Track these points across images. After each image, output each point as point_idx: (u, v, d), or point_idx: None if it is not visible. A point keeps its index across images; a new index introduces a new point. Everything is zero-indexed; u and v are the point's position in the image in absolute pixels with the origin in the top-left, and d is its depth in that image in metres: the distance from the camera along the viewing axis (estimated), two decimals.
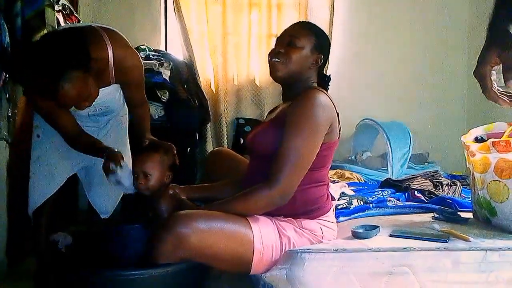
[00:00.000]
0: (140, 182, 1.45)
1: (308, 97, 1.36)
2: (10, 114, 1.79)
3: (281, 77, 1.44)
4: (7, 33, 1.67)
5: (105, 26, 1.53)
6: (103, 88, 1.53)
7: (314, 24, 1.56)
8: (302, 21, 1.57)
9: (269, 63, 1.45)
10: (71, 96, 1.35)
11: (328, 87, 1.54)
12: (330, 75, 1.55)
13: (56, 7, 2.02)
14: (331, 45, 3.36)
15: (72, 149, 1.60)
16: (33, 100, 1.54)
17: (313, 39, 1.45)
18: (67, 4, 2.23)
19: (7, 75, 1.71)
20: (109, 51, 1.47)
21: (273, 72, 1.44)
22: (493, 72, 0.94)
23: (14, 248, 1.90)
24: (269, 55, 1.46)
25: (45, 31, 1.80)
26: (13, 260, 1.90)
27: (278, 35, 1.50)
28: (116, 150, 1.51)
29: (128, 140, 1.86)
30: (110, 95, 1.62)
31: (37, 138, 1.64)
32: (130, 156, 1.76)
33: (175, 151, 1.55)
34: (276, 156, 1.33)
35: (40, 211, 1.67)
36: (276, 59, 1.42)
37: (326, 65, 1.54)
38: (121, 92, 1.66)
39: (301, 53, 1.42)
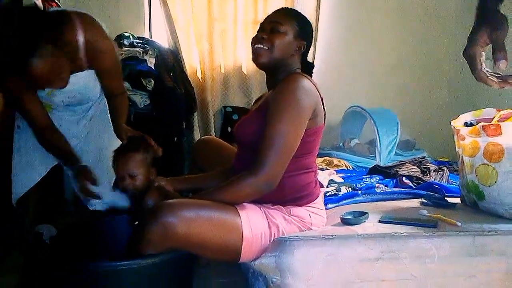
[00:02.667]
0: (128, 184, 1.44)
1: (290, 81, 1.34)
2: None
3: (264, 63, 1.42)
4: None
5: (78, 10, 1.49)
6: (76, 74, 1.49)
7: (297, 11, 1.54)
8: (285, 7, 1.54)
9: (252, 49, 1.44)
10: (42, 71, 1.31)
11: (312, 73, 1.52)
12: (313, 62, 1.54)
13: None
14: (317, 32, 3.34)
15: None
16: (2, 82, 1.46)
17: (296, 25, 1.43)
18: None
19: None
20: (79, 33, 1.43)
21: (256, 58, 1.43)
22: (482, 53, 0.93)
23: (0, 242, 1.86)
24: (252, 41, 1.44)
25: None
26: (0, 254, 1.86)
27: (261, 22, 1.48)
28: (83, 164, 1.55)
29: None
30: (84, 80, 1.56)
31: (17, 128, 1.61)
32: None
33: (154, 144, 1.53)
34: (260, 142, 1.31)
35: (24, 202, 1.64)
36: (259, 45, 1.41)
37: (312, 52, 1.53)
38: (97, 80, 1.61)
39: (284, 39, 1.41)
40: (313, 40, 3.25)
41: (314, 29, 3.18)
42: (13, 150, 1.63)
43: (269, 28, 1.42)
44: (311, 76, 1.49)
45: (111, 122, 1.77)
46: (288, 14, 1.46)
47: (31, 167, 1.63)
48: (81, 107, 1.66)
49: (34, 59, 1.28)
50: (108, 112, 1.77)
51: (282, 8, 1.55)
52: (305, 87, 1.33)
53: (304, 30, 1.46)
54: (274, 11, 1.49)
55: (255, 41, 1.43)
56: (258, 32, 1.46)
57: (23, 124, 1.60)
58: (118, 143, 1.74)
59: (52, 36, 1.32)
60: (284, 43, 1.41)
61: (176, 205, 1.22)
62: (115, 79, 1.68)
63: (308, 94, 1.34)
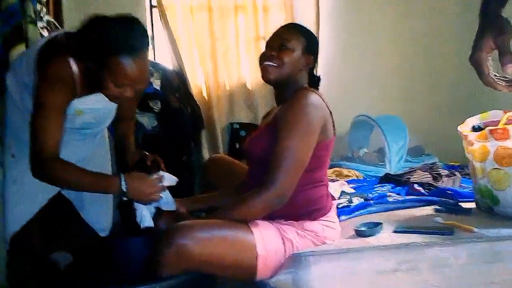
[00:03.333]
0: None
1: (299, 97, 1.35)
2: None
3: (274, 79, 1.43)
4: None
5: None
6: None
7: (303, 26, 1.55)
8: (291, 23, 1.58)
9: (260, 66, 1.45)
10: (146, 71, 1.31)
11: (319, 87, 1.53)
12: (320, 75, 1.55)
13: (41, 24, 1.99)
14: (319, 45, 3.37)
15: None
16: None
17: (304, 41, 1.44)
18: (52, 20, 2.20)
19: None
20: None
21: (265, 76, 1.44)
22: (489, 58, 0.93)
23: (15, 272, 1.86)
24: (260, 58, 1.45)
25: (23, 46, 1.74)
26: (15, 285, 1.86)
27: (268, 38, 1.49)
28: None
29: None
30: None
31: (11, 158, 1.50)
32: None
33: (163, 165, 1.52)
34: (271, 158, 1.31)
35: (26, 233, 1.55)
36: (268, 62, 1.42)
37: (316, 65, 1.54)
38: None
39: (292, 56, 1.42)
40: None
41: None
42: (6, 181, 1.52)
43: (278, 45, 1.43)
44: (318, 89, 1.51)
45: (108, 146, 1.74)
46: (295, 30, 1.47)
47: (29, 199, 1.52)
48: (91, 131, 1.60)
49: (144, 59, 1.31)
50: (106, 137, 1.74)
51: (288, 24, 1.56)
52: (314, 102, 1.34)
53: (312, 45, 1.48)
54: (281, 27, 1.50)
55: (263, 58, 1.44)
56: (266, 49, 1.46)
57: (19, 154, 1.48)
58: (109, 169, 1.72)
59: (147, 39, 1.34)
60: (293, 60, 1.42)
61: (189, 227, 1.23)
62: (137, 103, 1.69)
63: (317, 109, 1.34)
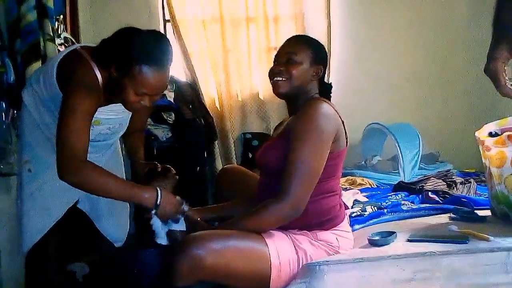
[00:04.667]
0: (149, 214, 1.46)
1: (310, 107, 1.36)
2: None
3: (284, 93, 1.45)
4: (12, 70, 1.71)
5: None
6: None
7: (309, 37, 1.57)
8: (297, 35, 1.58)
9: (271, 82, 1.47)
10: (161, 84, 1.36)
11: (331, 95, 1.54)
12: (331, 83, 1.56)
13: (59, 41, 2.06)
14: (330, 53, 3.36)
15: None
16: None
17: (311, 52, 1.45)
18: (69, 36, 2.27)
19: (15, 111, 1.73)
20: None
21: (276, 90, 1.46)
22: (505, 68, 0.93)
23: (33, 283, 1.89)
24: (269, 74, 1.47)
25: (39, 63, 1.79)
26: None
27: (276, 53, 1.50)
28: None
29: None
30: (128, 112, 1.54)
31: (28, 172, 1.53)
32: None
33: (174, 173, 1.54)
34: (284, 169, 1.32)
35: (43, 245, 1.58)
36: (278, 78, 1.44)
37: (326, 73, 1.55)
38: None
39: (301, 68, 1.43)
40: (328, 61, 3.31)
41: (327, 50, 3.25)
42: (23, 195, 1.53)
43: (285, 59, 1.45)
44: (330, 98, 1.52)
45: (121, 159, 1.77)
46: (301, 43, 1.49)
47: (46, 212, 1.54)
48: (105, 142, 1.62)
49: (166, 73, 1.37)
50: (118, 147, 1.76)
51: (294, 36, 1.57)
52: (326, 112, 1.35)
53: (319, 55, 1.48)
54: (287, 40, 1.52)
55: (272, 74, 1.46)
56: (274, 64, 1.48)
57: (36, 169, 1.52)
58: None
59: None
60: (301, 72, 1.43)
61: (204, 237, 1.24)
62: (148, 115, 1.72)
63: (329, 118, 1.35)
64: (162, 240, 1.43)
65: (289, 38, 1.53)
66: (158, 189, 1.37)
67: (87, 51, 1.42)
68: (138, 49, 1.30)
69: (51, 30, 1.89)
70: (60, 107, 1.36)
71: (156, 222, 1.42)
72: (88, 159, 1.41)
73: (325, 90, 1.53)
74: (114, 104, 1.46)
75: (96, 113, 1.41)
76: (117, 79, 1.33)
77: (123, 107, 1.46)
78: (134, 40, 1.32)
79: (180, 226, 1.46)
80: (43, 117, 1.49)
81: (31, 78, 1.56)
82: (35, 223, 1.54)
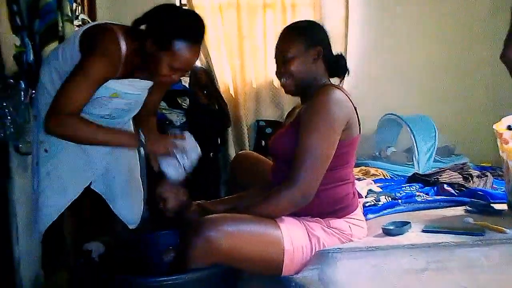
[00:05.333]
0: (161, 206, 1.50)
1: (320, 94, 1.36)
2: None
3: (294, 91, 1.47)
4: (31, 50, 1.72)
5: None
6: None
7: (298, 24, 1.53)
8: (285, 28, 1.51)
9: (280, 84, 1.50)
10: (193, 60, 1.40)
11: (345, 73, 1.51)
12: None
13: (76, 22, 2.06)
14: (347, 41, 3.27)
15: (86, 162, 1.55)
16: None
17: (302, 40, 1.43)
18: (86, 18, 2.27)
19: (33, 91, 1.75)
20: None
21: (286, 91, 1.49)
22: None
23: (49, 261, 1.94)
24: (276, 76, 1.50)
25: (56, 43, 1.79)
26: (49, 273, 1.94)
27: (275, 54, 1.49)
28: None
29: None
30: (147, 87, 1.56)
31: (44, 152, 1.56)
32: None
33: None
34: (294, 156, 1.32)
35: (59, 224, 1.62)
36: (282, 80, 1.46)
37: (330, 49, 1.50)
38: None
39: (297, 62, 1.42)
40: (345, 50, 3.23)
41: (344, 38, 3.21)
42: (40, 175, 1.56)
43: (281, 59, 1.45)
44: (344, 74, 1.50)
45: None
46: (289, 36, 1.46)
47: (62, 191, 1.57)
48: (120, 120, 1.63)
49: (198, 51, 1.41)
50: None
51: (283, 31, 1.51)
52: (337, 99, 1.34)
53: (313, 37, 1.45)
54: (278, 39, 1.49)
55: (277, 76, 1.49)
56: (276, 67, 1.50)
57: (52, 149, 1.55)
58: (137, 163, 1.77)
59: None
60: (299, 65, 1.42)
61: (218, 220, 1.25)
62: (161, 98, 1.74)
63: (340, 105, 1.34)
64: (172, 175, 1.47)
65: (280, 33, 1.50)
66: (139, 129, 1.45)
67: (113, 25, 1.44)
68: (178, 25, 1.35)
69: (69, 11, 1.90)
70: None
71: (162, 163, 1.47)
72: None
73: (336, 70, 1.50)
74: (134, 79, 1.48)
75: (116, 85, 1.44)
76: (153, 52, 1.37)
77: (142, 84, 1.49)
78: (175, 16, 1.38)
79: (194, 153, 1.51)
80: None
81: (49, 56, 1.57)
82: (52, 202, 1.56)
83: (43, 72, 1.54)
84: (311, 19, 1.75)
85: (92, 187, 1.67)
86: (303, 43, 1.43)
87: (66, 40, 1.62)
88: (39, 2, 1.79)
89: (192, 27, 1.37)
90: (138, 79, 1.49)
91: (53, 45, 1.79)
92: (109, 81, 1.42)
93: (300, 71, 1.42)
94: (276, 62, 1.49)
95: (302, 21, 1.56)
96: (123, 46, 1.40)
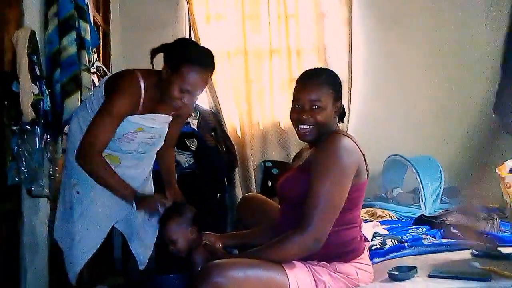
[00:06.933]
0: (171, 248, 1.53)
1: (331, 143, 1.39)
2: (51, 172, 1.88)
3: (312, 139, 1.46)
4: (48, 98, 1.81)
5: None
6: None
7: (327, 73, 1.51)
8: (317, 74, 1.49)
9: (296, 129, 1.46)
10: (201, 84, 1.56)
11: (343, 119, 1.55)
12: (348, 114, 1.57)
13: (92, 69, 2.17)
14: (351, 85, 3.35)
15: (114, 200, 1.63)
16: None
17: (332, 92, 1.44)
18: (101, 65, 2.39)
19: (48, 136, 1.82)
20: None
21: (303, 138, 1.46)
22: None
23: None
24: (293, 120, 1.47)
25: (78, 93, 1.92)
26: None
27: (296, 92, 1.46)
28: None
29: None
30: (168, 121, 1.72)
31: (76, 194, 1.67)
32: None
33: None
34: (306, 202, 1.35)
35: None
36: (304, 126, 1.43)
37: (347, 105, 1.56)
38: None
39: (325, 113, 1.43)
40: (349, 93, 3.30)
41: (348, 82, 3.30)
42: (74, 216, 1.66)
43: (309, 106, 1.42)
44: (342, 121, 1.54)
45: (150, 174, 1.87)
46: (323, 85, 1.44)
47: (97, 228, 1.68)
48: (146, 155, 1.74)
49: (207, 77, 1.60)
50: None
51: (315, 77, 1.47)
52: (347, 147, 1.38)
53: (338, 90, 1.48)
54: (308, 82, 1.45)
55: (298, 121, 1.44)
56: (296, 106, 1.45)
57: (83, 190, 1.66)
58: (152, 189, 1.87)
59: None
60: (326, 117, 1.43)
61: (225, 266, 1.27)
62: (179, 130, 1.89)
63: (350, 153, 1.38)
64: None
65: (309, 78, 1.47)
66: (137, 192, 1.60)
67: (134, 69, 1.63)
68: (188, 50, 1.57)
69: (87, 61, 2.01)
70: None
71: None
72: (129, 174, 1.66)
73: (342, 111, 1.53)
74: (155, 114, 1.63)
75: (140, 120, 1.61)
76: (166, 77, 1.54)
77: (163, 118, 1.65)
78: (187, 45, 1.65)
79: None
80: None
81: (78, 108, 1.75)
82: (88, 240, 1.67)
83: (72, 123, 1.70)
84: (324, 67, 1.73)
85: (115, 225, 1.77)
86: (333, 96, 1.44)
87: (93, 91, 1.79)
88: (61, 54, 1.90)
89: (200, 54, 1.57)
90: (158, 114, 1.64)
91: (76, 95, 1.91)
92: (134, 116, 1.58)
93: (324, 123, 1.42)
94: (299, 105, 1.44)
95: (328, 70, 1.55)
96: (142, 83, 1.57)
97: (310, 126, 1.43)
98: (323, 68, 1.62)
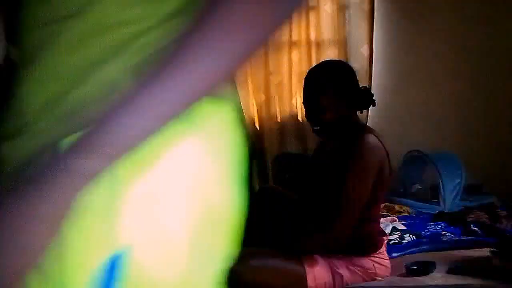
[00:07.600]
0: None
1: (357, 141, 1.40)
2: None
3: (327, 138, 1.53)
4: None
5: None
6: None
7: (322, 71, 1.53)
8: (314, 79, 1.51)
9: (311, 128, 1.54)
10: None
11: (370, 103, 1.56)
12: (366, 87, 1.57)
13: None
14: (371, 78, 3.32)
15: None
16: None
17: (332, 89, 1.46)
18: None
19: None
20: None
21: (319, 137, 1.56)
22: None
23: None
24: (307, 120, 1.54)
25: None
26: None
27: (303, 97, 1.52)
28: None
29: None
30: None
31: None
32: None
33: None
34: (329, 200, 1.37)
35: None
36: (315, 128, 1.50)
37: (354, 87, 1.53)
38: None
39: (331, 110, 1.46)
40: (368, 87, 3.29)
41: (367, 76, 3.27)
42: None
43: (313, 110, 1.49)
44: (369, 105, 1.54)
45: None
46: (318, 85, 1.49)
47: None
48: None
49: None
50: None
51: (311, 78, 1.52)
52: (372, 146, 1.40)
53: (340, 81, 1.48)
54: (305, 85, 1.51)
55: (310, 123, 1.53)
56: (305, 110, 1.53)
57: None
58: None
59: None
60: (334, 113, 1.46)
61: (244, 254, 1.28)
62: None
63: (374, 153, 1.40)
64: None
65: (306, 83, 1.52)
66: None
67: None
68: None
69: None
70: None
71: None
72: None
73: (361, 99, 1.53)
74: None
75: None
76: None
77: None
78: None
79: None
80: None
81: None
82: None
83: None
84: (336, 59, 1.78)
85: None
86: (333, 90, 1.46)
87: None
88: None
89: None
90: None
91: None
92: None
93: (332, 118, 1.46)
94: (309, 113, 1.51)
95: (324, 66, 1.57)
96: None
97: (320, 127, 1.49)
98: (319, 65, 1.63)
